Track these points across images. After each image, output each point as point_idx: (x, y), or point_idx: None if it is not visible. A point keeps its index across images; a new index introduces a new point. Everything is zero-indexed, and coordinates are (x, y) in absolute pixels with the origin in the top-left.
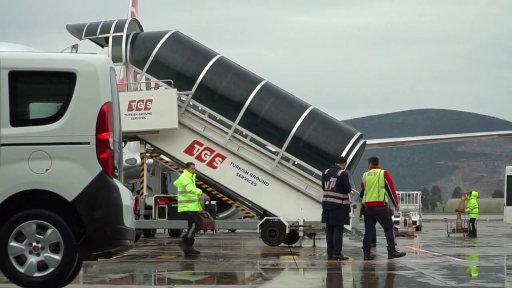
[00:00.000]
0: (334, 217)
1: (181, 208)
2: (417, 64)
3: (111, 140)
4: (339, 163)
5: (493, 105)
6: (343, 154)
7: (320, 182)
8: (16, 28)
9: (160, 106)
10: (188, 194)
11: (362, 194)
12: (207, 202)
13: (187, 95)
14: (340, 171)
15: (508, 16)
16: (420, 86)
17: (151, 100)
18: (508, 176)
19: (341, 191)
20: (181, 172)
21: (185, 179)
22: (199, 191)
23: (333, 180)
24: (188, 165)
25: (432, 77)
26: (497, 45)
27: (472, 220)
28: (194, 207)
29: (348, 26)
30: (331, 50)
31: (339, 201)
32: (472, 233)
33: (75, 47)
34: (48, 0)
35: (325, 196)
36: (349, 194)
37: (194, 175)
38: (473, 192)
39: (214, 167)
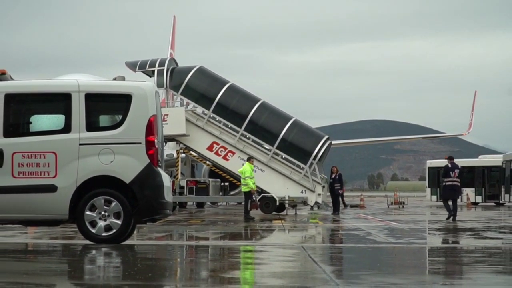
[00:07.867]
0: (457, 194)
1: (243, 188)
2: (367, 89)
3: (156, 141)
4: (450, 159)
5: (418, 116)
6: (315, 151)
7: (300, 170)
8: (90, 62)
9: (173, 119)
10: (245, 180)
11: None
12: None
13: (193, 111)
14: (460, 165)
15: (424, 55)
16: (368, 104)
17: (167, 115)
18: (428, 168)
19: (460, 177)
20: (204, 163)
21: (248, 171)
22: (252, 185)
23: (457, 171)
24: (249, 159)
25: (377, 97)
26: (418, 75)
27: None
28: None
29: (318, 63)
30: (306, 79)
31: (459, 184)
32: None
33: (121, 77)
34: (111, 42)
35: (452, 181)
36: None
37: (253, 166)
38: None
39: (227, 160)
